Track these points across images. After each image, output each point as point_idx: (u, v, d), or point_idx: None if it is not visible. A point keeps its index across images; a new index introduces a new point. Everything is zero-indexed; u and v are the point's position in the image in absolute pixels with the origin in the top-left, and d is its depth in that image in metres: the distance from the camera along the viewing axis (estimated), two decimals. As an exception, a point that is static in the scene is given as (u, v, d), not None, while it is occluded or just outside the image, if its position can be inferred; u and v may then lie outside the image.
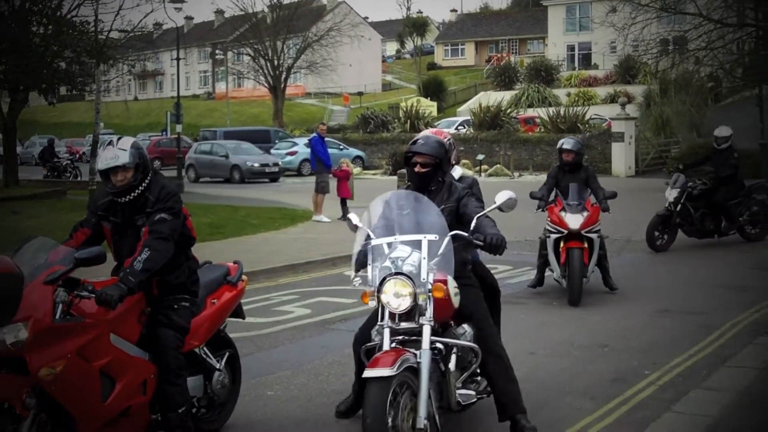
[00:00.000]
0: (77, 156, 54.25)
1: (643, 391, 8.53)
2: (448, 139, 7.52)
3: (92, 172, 29.66)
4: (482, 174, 40.78)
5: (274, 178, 41.33)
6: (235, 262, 7.79)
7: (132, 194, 6.58)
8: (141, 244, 6.40)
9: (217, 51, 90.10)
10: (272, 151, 45.36)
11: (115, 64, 37.86)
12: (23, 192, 30.96)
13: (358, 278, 6.47)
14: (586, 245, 12.84)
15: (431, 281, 6.24)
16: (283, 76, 68.54)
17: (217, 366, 7.28)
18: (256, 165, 41.04)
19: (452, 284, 6.48)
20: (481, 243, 6.64)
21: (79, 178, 40.57)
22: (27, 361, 5.65)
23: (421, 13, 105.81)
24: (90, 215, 6.82)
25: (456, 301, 6.51)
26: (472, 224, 6.71)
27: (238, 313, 7.84)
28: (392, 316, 6.20)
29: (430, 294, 6.22)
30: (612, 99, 56.04)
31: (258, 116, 77.56)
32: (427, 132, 7.58)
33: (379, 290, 6.19)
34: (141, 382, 6.36)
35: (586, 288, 12.96)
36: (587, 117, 46.59)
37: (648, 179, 37.33)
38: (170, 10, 39.50)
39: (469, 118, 52.56)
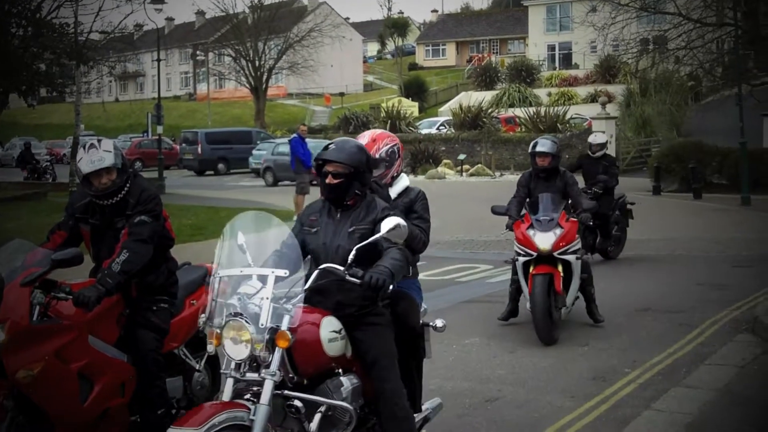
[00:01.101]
0: (56, 158, 54.06)
1: (623, 390, 8.55)
2: (392, 145, 6.58)
3: (72, 174, 29.57)
4: (464, 174, 40.87)
5: None
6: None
7: (116, 197, 6.53)
8: (120, 245, 6.38)
9: (198, 52, 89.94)
10: (254, 152, 44.37)
11: (96, 66, 37.77)
12: (3, 194, 30.82)
13: (203, 315, 5.37)
14: (560, 270, 10.56)
15: (287, 325, 5.16)
16: (265, 77, 68.48)
17: (197, 367, 7.25)
18: None
19: (329, 327, 5.51)
20: (356, 281, 5.43)
21: (56, 180, 40.48)
22: (4, 363, 5.64)
23: (402, 13, 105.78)
24: (67, 218, 6.78)
25: (333, 347, 5.49)
26: (351, 255, 5.51)
27: (218, 314, 7.81)
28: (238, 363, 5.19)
29: (274, 342, 5.15)
30: (592, 98, 56.21)
31: (239, 117, 77.42)
32: (370, 134, 6.67)
33: (221, 332, 5.21)
34: (120, 383, 6.33)
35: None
36: (568, 116, 46.75)
37: (629, 178, 37.39)
38: (150, 11, 39.37)
39: (450, 118, 52.64)
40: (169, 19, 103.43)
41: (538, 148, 11.33)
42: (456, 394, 8.30)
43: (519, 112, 50.12)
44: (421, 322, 6.62)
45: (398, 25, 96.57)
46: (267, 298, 5.18)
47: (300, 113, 79.55)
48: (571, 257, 10.67)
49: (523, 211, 11.19)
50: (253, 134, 50.32)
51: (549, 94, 62.20)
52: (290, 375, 5.31)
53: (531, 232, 10.65)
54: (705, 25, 31.57)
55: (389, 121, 49.16)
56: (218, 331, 5.19)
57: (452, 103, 62.12)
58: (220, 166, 47.23)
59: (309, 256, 5.86)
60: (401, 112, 51.74)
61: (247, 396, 5.13)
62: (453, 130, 48.15)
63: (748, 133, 27.73)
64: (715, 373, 9.05)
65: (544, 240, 10.51)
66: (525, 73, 67.43)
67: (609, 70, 61.92)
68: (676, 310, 12.16)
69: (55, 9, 32.64)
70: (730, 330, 10.87)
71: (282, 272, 5.30)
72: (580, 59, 70.89)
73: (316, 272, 5.52)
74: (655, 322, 11.49)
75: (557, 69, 75.57)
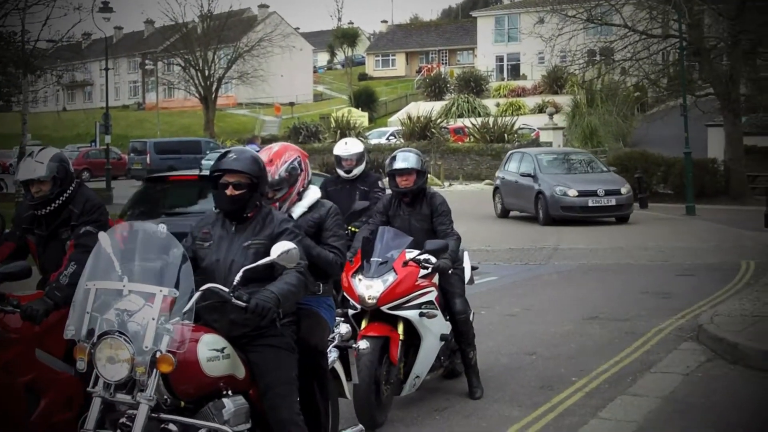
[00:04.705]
0: (2, 168, 53.36)
1: (570, 398, 8.64)
2: (292, 161, 6.12)
3: (18, 184, 29.28)
4: (413, 184, 40.95)
5: (622, 216, 24.91)
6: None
7: (49, 207, 6.54)
8: (67, 257, 6.35)
9: (147, 61, 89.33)
10: (203, 161, 43.46)
11: (43, 75, 37.39)
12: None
13: (72, 327, 4.97)
14: (401, 330, 7.87)
15: (166, 346, 4.83)
16: (214, 86, 68.25)
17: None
18: (572, 194, 24.56)
19: (209, 345, 5.13)
20: (242, 304, 5.14)
21: (4, 190, 39.93)
22: (-50, 377, 5.59)
23: (352, 23, 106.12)
24: (14, 228, 6.77)
25: (213, 367, 5.12)
26: (237, 277, 5.24)
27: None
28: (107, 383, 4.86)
29: (155, 367, 4.83)
30: (540, 109, 56.60)
31: (189, 127, 76.97)
32: (267, 153, 6.11)
33: (94, 349, 4.85)
34: (67, 397, 6.29)
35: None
36: (516, 127, 47.10)
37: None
38: (99, 20, 38.84)
39: (399, 128, 52.83)
40: (118, 28, 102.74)
41: (398, 164, 8.55)
42: (404, 404, 8.33)
43: (468, 122, 50.40)
44: (339, 342, 6.47)
45: (348, 36, 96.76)
46: (153, 318, 4.85)
47: (250, 123, 79.39)
48: (410, 313, 7.90)
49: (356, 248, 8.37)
50: (202, 144, 49.92)
51: (497, 105, 62.59)
52: (165, 397, 4.96)
53: (355, 279, 7.97)
54: (650, 37, 32.06)
55: (339, 131, 49.24)
56: (89, 347, 4.86)
57: (401, 114, 62.26)
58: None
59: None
60: (351, 122, 51.81)
61: (123, 420, 4.87)
62: (402, 141, 48.26)
63: (693, 143, 28.15)
64: (661, 381, 9.17)
65: (370, 289, 7.82)
66: (474, 84, 67.82)
67: (556, 81, 62.42)
68: (622, 318, 12.31)
69: (1, 18, 32.25)
70: (675, 338, 11.01)
71: (171, 291, 4.96)
72: (528, 70, 71.47)
73: (198, 293, 5.13)
74: (601, 331, 11.61)
75: (505, 80, 76.09)
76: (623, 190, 24.70)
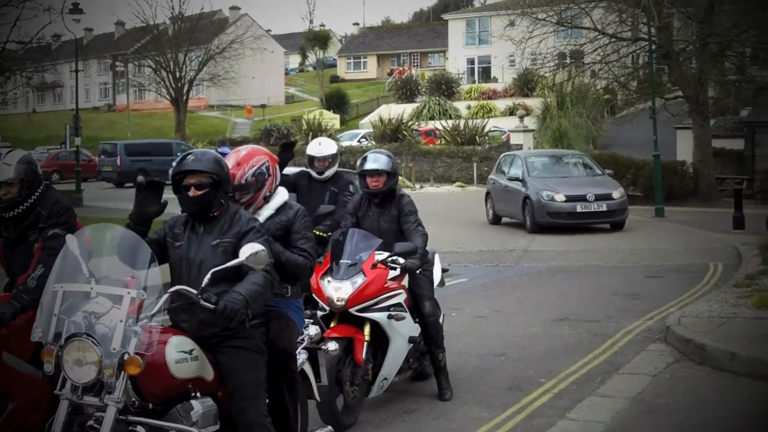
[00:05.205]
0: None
1: (538, 399, 8.67)
2: (259, 166, 6.15)
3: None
4: (385, 186, 40.97)
5: (616, 223, 23.67)
6: (132, 277, 7.69)
7: (17, 209, 6.51)
8: (35, 260, 6.33)
9: (117, 63, 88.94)
10: (174, 164, 42.91)
11: (12, 76, 37.11)
12: None
13: (39, 330, 4.97)
14: (367, 332, 7.87)
15: (134, 349, 4.86)
16: (186, 88, 68.02)
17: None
18: (559, 198, 23.01)
19: (177, 347, 5.17)
20: (210, 306, 5.16)
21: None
22: None
23: (324, 26, 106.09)
24: (-19, 231, 6.73)
25: (181, 369, 5.15)
26: (206, 279, 5.26)
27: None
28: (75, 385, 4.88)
29: (123, 369, 4.85)
30: (511, 112, 56.78)
31: (160, 129, 76.67)
32: (235, 157, 6.17)
33: (61, 351, 4.87)
34: (35, 400, 6.26)
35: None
36: (487, 129, 47.25)
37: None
38: (69, 22, 38.55)
39: (371, 130, 52.87)
40: (88, 30, 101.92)
41: (369, 165, 8.55)
42: (373, 406, 8.35)
43: (439, 124, 50.52)
44: (308, 344, 6.48)
45: (320, 38, 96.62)
46: (121, 321, 4.87)
47: (221, 125, 79.17)
48: (379, 315, 7.89)
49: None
50: (173, 146, 49.75)
51: (468, 107, 62.73)
52: (133, 399, 5.00)
53: (324, 280, 7.95)
54: (620, 40, 32.28)
55: (311, 133, 49.24)
56: (57, 349, 4.87)
57: (373, 116, 62.29)
58: (140, 178, 46.60)
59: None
60: (322, 124, 51.89)
61: (90, 423, 4.91)
62: (374, 143, 48.33)
63: (662, 146, 28.36)
64: (629, 382, 9.23)
65: (338, 291, 7.81)
66: (445, 86, 68.00)
67: (527, 84, 62.71)
68: (591, 319, 12.37)
69: (-30, 20, 32.04)
70: (643, 339, 11.09)
71: (138, 293, 5.00)
72: (499, 73, 71.64)
73: (166, 294, 5.19)
74: (570, 332, 11.67)
75: (476, 82, 76.29)
76: (616, 195, 23.28)
